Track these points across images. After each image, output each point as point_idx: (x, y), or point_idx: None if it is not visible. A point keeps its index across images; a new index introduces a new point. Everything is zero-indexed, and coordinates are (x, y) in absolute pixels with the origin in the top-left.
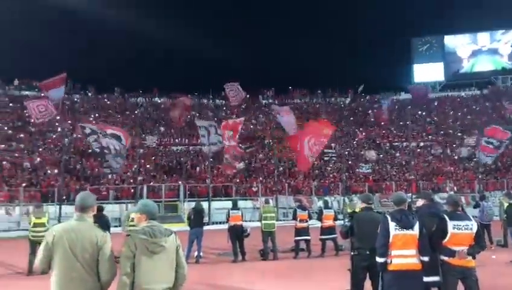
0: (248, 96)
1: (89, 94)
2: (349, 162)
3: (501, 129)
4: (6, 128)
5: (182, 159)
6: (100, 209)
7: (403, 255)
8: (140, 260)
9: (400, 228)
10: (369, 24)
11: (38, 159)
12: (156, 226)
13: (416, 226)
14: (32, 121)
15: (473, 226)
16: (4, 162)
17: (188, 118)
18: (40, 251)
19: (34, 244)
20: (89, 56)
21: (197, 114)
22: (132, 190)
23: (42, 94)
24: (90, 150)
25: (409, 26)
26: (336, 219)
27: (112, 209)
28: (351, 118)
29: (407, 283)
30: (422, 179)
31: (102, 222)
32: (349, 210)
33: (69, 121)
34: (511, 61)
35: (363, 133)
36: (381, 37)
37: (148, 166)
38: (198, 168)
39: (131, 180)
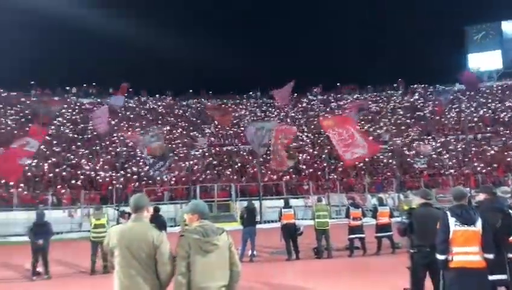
0: (296, 94)
1: (142, 98)
2: (403, 157)
3: None
4: (66, 133)
5: (232, 158)
6: (157, 210)
7: (465, 252)
8: (195, 260)
9: (461, 224)
10: (421, 13)
11: (97, 163)
12: (207, 225)
13: (479, 222)
14: (95, 129)
15: None
16: (65, 166)
17: (234, 119)
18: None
19: (95, 245)
20: (140, 61)
21: (245, 112)
22: (186, 191)
23: (99, 100)
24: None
25: (463, 14)
26: (391, 216)
27: (167, 210)
28: (404, 112)
29: (470, 281)
30: (481, 172)
31: (159, 222)
32: (405, 207)
33: (122, 123)
34: None
35: (417, 127)
36: (434, 27)
37: (200, 167)
38: (249, 168)
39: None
